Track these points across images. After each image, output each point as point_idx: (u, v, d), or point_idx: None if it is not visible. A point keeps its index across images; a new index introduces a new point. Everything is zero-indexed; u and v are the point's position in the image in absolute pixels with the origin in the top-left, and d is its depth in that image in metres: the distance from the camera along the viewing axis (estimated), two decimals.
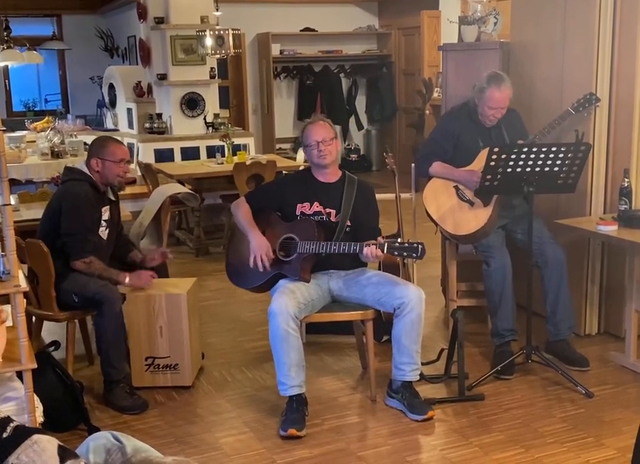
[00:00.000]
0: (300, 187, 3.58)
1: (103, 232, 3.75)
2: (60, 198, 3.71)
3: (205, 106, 7.67)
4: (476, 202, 3.90)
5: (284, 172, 6.45)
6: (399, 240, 3.30)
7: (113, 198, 3.85)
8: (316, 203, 3.53)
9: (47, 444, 1.30)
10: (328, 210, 3.53)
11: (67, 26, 11.26)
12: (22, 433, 1.31)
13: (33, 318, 3.84)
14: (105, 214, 3.76)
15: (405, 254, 3.24)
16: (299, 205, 3.54)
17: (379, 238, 3.30)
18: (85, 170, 3.72)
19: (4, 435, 1.31)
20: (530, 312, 3.72)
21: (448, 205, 3.96)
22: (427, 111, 9.01)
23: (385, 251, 3.24)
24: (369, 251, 3.25)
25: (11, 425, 1.33)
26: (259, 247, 3.47)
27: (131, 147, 7.84)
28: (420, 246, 3.19)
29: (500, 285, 3.83)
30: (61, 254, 3.61)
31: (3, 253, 2.80)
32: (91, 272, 3.59)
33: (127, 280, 3.64)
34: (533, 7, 4.45)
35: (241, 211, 3.61)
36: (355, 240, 3.38)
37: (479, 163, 3.83)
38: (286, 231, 3.51)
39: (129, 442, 1.53)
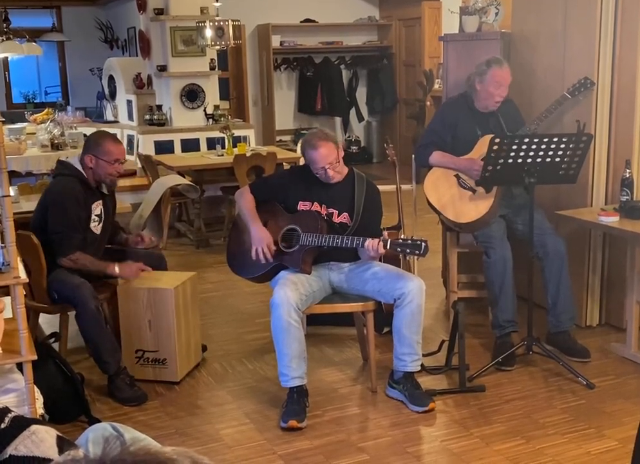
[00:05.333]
0: (303, 185, 3.54)
1: (96, 227, 3.73)
2: (48, 194, 3.70)
3: (205, 98, 7.64)
4: (478, 190, 3.89)
5: (284, 164, 6.44)
6: (402, 236, 3.28)
7: (106, 192, 3.82)
8: (316, 204, 3.51)
9: (46, 434, 1.30)
10: (330, 210, 3.51)
11: (67, 17, 11.22)
12: (20, 423, 1.31)
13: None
14: (97, 209, 3.73)
15: (408, 250, 3.22)
16: (300, 202, 3.52)
17: (384, 233, 3.28)
18: (77, 165, 3.68)
19: (2, 425, 1.30)
20: (531, 304, 3.71)
21: (449, 194, 3.95)
22: (428, 103, 8.99)
23: (388, 247, 3.22)
24: (371, 244, 3.23)
25: (9, 415, 1.32)
26: (260, 240, 3.46)
27: (131, 139, 7.82)
28: (423, 243, 3.17)
29: (500, 276, 3.83)
30: (49, 249, 3.60)
31: (3, 245, 2.80)
32: (78, 268, 3.58)
33: (116, 270, 3.62)
34: None
35: (245, 201, 3.59)
36: None
37: (478, 151, 3.84)
38: (289, 222, 3.49)
39: (128, 433, 1.53)
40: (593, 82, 3.98)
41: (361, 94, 10.76)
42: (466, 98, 4.05)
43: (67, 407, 3.31)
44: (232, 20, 6.84)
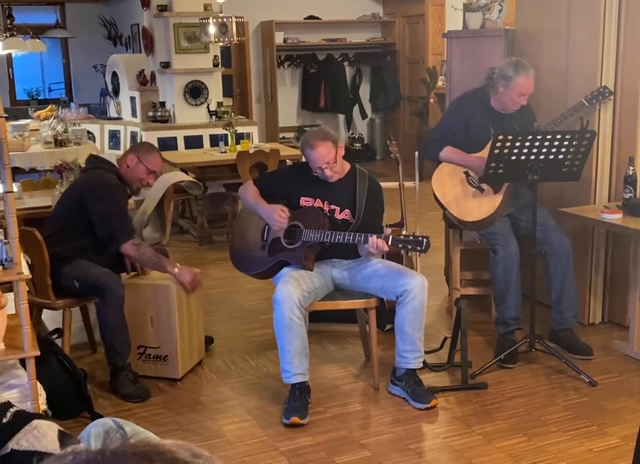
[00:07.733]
0: (306, 181, 3.53)
1: None
2: (89, 185, 3.65)
3: (208, 95, 7.64)
4: (486, 189, 3.87)
5: (287, 161, 6.44)
6: (404, 232, 3.28)
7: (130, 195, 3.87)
8: (319, 200, 3.51)
9: (48, 429, 1.30)
10: (332, 207, 3.51)
11: (71, 14, 11.23)
12: (22, 418, 1.31)
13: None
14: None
15: (409, 247, 3.22)
16: (302, 198, 3.52)
17: (386, 229, 3.28)
18: (113, 162, 3.74)
19: (4, 420, 1.30)
20: (534, 301, 3.71)
21: (456, 190, 3.92)
22: (432, 100, 8.98)
23: (390, 244, 3.22)
24: (374, 242, 3.23)
25: (11, 410, 1.33)
26: (270, 216, 3.44)
27: (134, 135, 7.82)
28: (424, 239, 3.17)
29: (508, 273, 3.80)
30: (69, 237, 3.60)
31: (6, 241, 2.80)
32: (140, 254, 3.55)
33: (175, 269, 3.59)
34: None
35: (249, 192, 3.59)
36: None
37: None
38: (292, 219, 3.49)
39: (129, 427, 1.53)
40: (611, 91, 3.96)
41: (364, 91, 10.75)
42: (482, 95, 3.99)
43: (69, 403, 3.32)
44: (236, 17, 6.83)
